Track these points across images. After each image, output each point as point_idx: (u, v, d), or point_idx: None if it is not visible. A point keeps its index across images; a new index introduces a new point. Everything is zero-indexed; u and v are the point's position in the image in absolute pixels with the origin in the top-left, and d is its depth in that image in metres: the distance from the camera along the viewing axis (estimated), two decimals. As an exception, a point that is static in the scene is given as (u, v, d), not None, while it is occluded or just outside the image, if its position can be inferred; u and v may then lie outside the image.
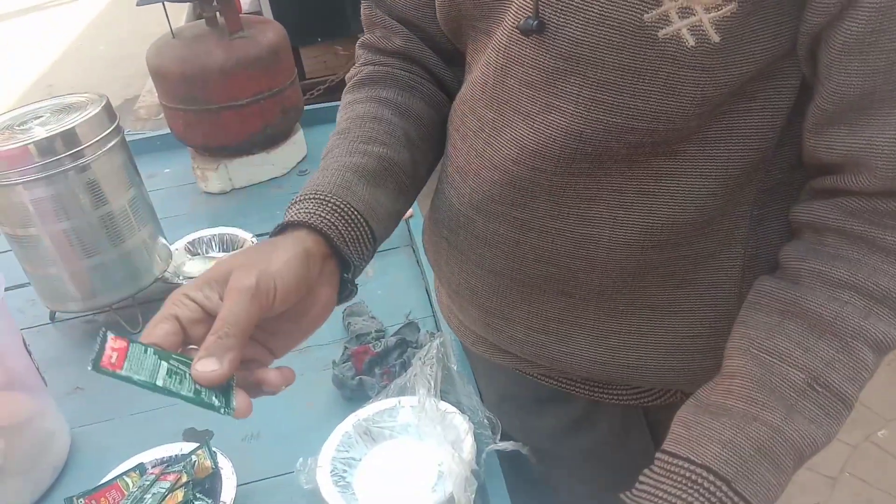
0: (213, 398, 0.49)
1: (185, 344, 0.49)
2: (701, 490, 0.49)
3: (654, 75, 0.49)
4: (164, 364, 0.48)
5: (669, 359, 0.63)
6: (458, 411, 0.77)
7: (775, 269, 0.56)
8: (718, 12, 0.45)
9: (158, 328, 0.48)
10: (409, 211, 1.18)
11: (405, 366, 0.88)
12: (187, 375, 0.48)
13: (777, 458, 0.50)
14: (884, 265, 0.50)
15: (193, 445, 0.81)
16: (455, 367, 0.81)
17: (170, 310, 0.49)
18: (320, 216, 0.55)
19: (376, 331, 0.97)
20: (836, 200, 0.52)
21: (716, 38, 0.46)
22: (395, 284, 1.08)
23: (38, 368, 0.87)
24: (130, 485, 0.77)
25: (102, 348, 0.47)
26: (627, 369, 0.64)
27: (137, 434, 0.87)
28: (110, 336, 0.48)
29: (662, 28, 0.46)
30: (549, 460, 0.73)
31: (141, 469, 0.79)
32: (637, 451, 0.54)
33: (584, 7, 0.48)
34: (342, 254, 0.55)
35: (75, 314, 1.08)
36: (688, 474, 0.50)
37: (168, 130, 1.40)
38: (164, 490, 0.75)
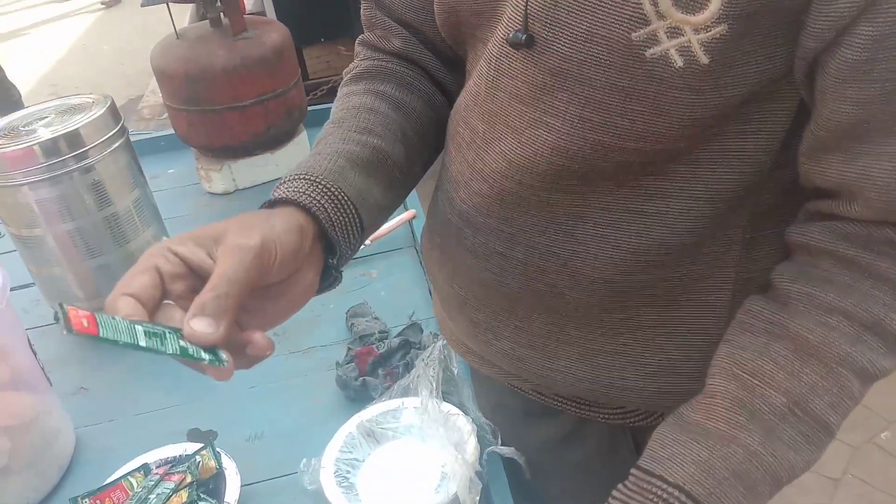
0: (202, 353, 0.45)
1: (161, 300, 0.46)
2: None
3: (642, 95, 0.48)
4: (139, 327, 0.44)
5: (656, 381, 0.62)
6: (461, 413, 0.77)
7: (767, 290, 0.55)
8: (707, 33, 0.44)
9: (136, 280, 0.44)
10: (412, 212, 1.19)
11: (408, 367, 0.89)
12: (167, 334, 0.45)
13: (752, 482, 0.49)
14: (875, 291, 0.49)
15: (197, 446, 0.81)
16: (456, 370, 0.81)
17: (149, 261, 0.45)
18: (311, 197, 0.53)
19: (380, 332, 0.97)
20: (830, 224, 0.51)
21: (704, 59, 0.45)
22: (399, 285, 1.09)
23: (42, 368, 0.88)
24: (135, 485, 0.78)
25: (67, 316, 0.42)
26: (613, 389, 0.64)
27: (141, 434, 0.88)
28: (68, 307, 0.43)
29: (650, 48, 0.46)
30: (541, 471, 0.73)
31: (145, 469, 0.80)
32: (625, 470, 0.54)
33: (572, 23, 0.47)
34: (329, 238, 0.53)
35: (80, 314, 1.08)
36: (659, 492, 0.49)
37: (172, 131, 1.40)
38: (168, 490, 0.75)
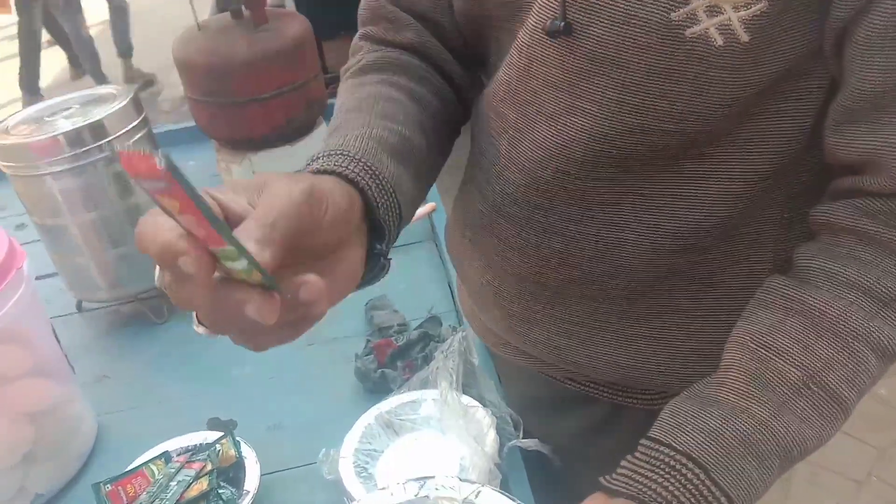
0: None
1: None
2: (678, 476, 0.48)
3: (682, 76, 0.48)
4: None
5: (695, 365, 0.62)
6: (480, 405, 0.77)
7: None
8: (748, 11, 0.44)
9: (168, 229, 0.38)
10: (432, 205, 1.18)
11: (427, 359, 0.89)
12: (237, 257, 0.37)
13: (762, 453, 0.49)
14: (895, 268, 0.49)
15: (218, 434, 0.82)
16: (476, 362, 0.81)
17: None
18: (355, 172, 0.48)
19: (399, 324, 0.97)
20: (853, 201, 0.51)
21: (745, 37, 0.45)
22: (418, 278, 1.09)
23: (66, 356, 0.89)
24: (156, 472, 0.78)
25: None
26: (652, 374, 0.63)
27: (162, 422, 0.89)
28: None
29: (690, 27, 0.45)
30: (573, 459, 0.73)
31: (166, 457, 0.80)
32: None
33: (610, 6, 0.47)
34: (376, 218, 0.49)
35: (101, 303, 1.09)
36: (667, 460, 0.49)
37: (193, 123, 1.41)
38: (189, 478, 0.76)
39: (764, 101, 0.50)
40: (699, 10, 0.45)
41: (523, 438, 0.73)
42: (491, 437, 0.73)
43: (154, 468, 0.79)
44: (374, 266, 0.50)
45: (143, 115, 1.00)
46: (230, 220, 0.40)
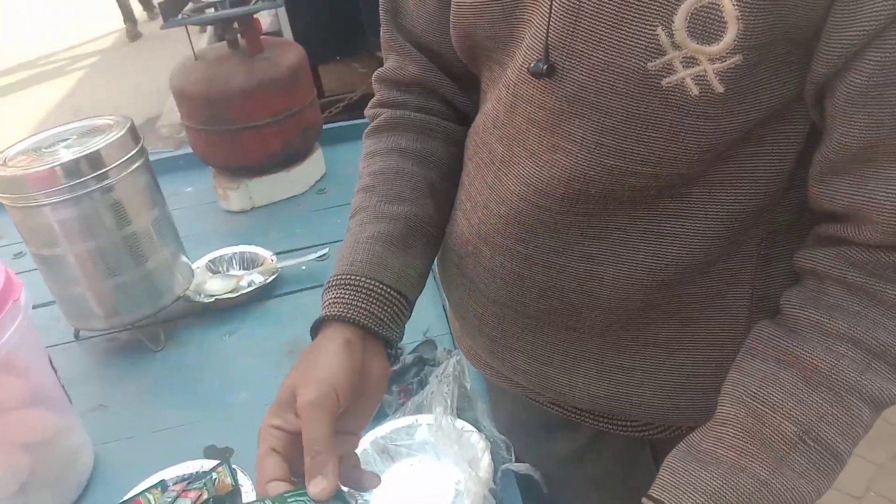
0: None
1: (290, 468, 0.55)
2: None
3: (658, 122, 0.49)
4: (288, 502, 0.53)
5: (674, 397, 0.62)
6: (475, 429, 0.77)
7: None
8: (723, 63, 0.45)
9: (267, 463, 0.54)
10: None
11: (423, 384, 0.89)
12: (307, 500, 0.53)
13: None
14: (884, 319, 0.49)
15: (214, 463, 0.82)
16: (469, 386, 0.82)
17: (266, 444, 0.55)
18: (356, 307, 0.59)
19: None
20: (839, 249, 0.51)
21: (720, 88, 0.46)
22: (413, 302, 1.09)
23: (63, 386, 0.89)
24: (153, 501, 0.78)
25: None
26: (631, 405, 0.64)
27: (159, 451, 0.89)
28: None
29: (666, 76, 0.46)
30: (559, 486, 0.73)
31: (163, 486, 0.80)
32: (644, 484, 0.54)
33: (590, 53, 0.48)
34: (383, 336, 0.60)
35: (99, 332, 1.10)
36: None
37: (190, 150, 1.42)
38: (185, 507, 0.76)
39: (742, 145, 0.51)
40: (675, 61, 0.46)
41: (515, 462, 0.73)
42: (486, 461, 0.73)
43: (151, 497, 0.79)
44: (391, 358, 0.62)
45: (140, 144, 1.01)
46: (296, 435, 0.55)
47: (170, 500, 0.77)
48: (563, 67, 0.50)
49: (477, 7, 0.56)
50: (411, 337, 0.99)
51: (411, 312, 0.63)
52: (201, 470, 0.82)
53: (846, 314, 0.50)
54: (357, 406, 0.58)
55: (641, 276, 0.57)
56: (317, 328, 0.60)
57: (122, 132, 0.99)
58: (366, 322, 0.58)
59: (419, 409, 0.83)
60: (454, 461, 0.74)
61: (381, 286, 0.60)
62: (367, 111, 0.73)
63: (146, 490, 0.80)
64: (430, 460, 0.78)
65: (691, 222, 0.55)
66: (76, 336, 1.11)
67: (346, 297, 0.59)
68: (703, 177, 0.53)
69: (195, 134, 1.34)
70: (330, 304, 0.60)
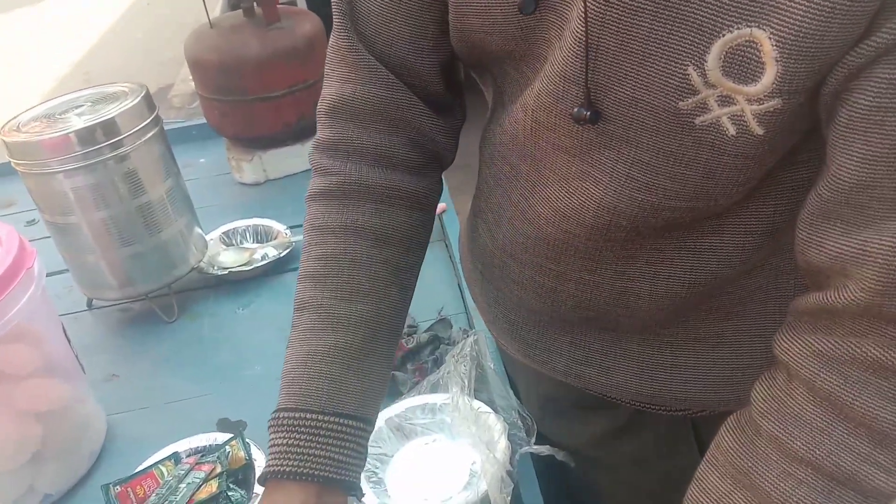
0: None
1: None
2: None
3: (692, 160, 0.46)
4: None
5: (719, 389, 0.61)
6: (491, 411, 0.76)
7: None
8: (761, 105, 0.41)
9: None
10: (443, 205, 1.17)
11: (438, 362, 0.88)
12: None
13: None
14: (851, 439, 0.45)
15: (227, 436, 0.81)
16: (490, 366, 0.81)
17: None
18: (312, 456, 0.54)
19: (408, 326, 0.96)
20: (814, 339, 0.47)
21: (759, 130, 0.43)
22: (428, 279, 1.07)
23: (76, 356, 0.88)
24: (165, 473, 0.78)
25: None
26: (674, 400, 0.63)
27: (172, 422, 0.88)
28: None
29: (700, 115, 0.44)
30: (591, 465, 0.72)
31: (175, 458, 0.80)
32: (684, 463, 0.52)
33: (614, 88, 0.45)
34: (342, 481, 0.55)
35: (112, 302, 1.09)
36: None
37: (204, 120, 1.40)
38: (198, 480, 0.76)
39: (780, 162, 0.48)
40: (710, 99, 0.43)
41: (536, 444, 0.72)
42: (503, 443, 0.72)
43: (163, 469, 0.79)
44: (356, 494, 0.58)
45: (155, 113, 1.00)
46: None
47: (183, 472, 0.77)
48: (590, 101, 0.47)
49: (490, 20, 0.50)
50: (426, 315, 0.98)
51: (370, 435, 0.58)
52: (214, 443, 0.81)
53: (808, 431, 0.46)
54: None
55: (679, 289, 0.55)
56: (265, 479, 0.55)
57: (137, 100, 0.97)
58: (324, 473, 0.54)
59: (434, 389, 0.82)
60: (470, 442, 0.73)
61: (340, 422, 0.55)
62: (312, 156, 0.60)
63: (159, 462, 0.79)
64: (445, 440, 0.78)
65: (729, 236, 0.53)
66: (89, 305, 1.10)
67: (301, 443, 0.54)
68: (738, 201, 0.50)
69: (209, 104, 1.32)
70: (280, 454, 0.54)
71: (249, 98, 1.27)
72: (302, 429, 0.54)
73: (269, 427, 0.56)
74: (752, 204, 0.51)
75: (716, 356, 0.60)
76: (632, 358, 0.62)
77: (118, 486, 0.77)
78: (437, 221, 1.17)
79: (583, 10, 0.43)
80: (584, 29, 0.44)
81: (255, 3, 1.29)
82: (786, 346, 0.48)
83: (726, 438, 0.51)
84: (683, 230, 0.53)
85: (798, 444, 0.46)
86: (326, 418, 0.54)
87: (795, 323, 0.49)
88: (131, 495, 0.76)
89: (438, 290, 1.05)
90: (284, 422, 0.55)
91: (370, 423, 0.58)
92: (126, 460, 0.83)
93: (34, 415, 0.81)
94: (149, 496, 0.76)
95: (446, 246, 1.14)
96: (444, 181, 1.25)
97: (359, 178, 0.58)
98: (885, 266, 0.41)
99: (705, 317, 0.58)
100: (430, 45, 0.56)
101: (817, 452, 0.45)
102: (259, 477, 0.56)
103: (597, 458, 0.72)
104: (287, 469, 0.53)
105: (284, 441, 0.54)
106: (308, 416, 0.54)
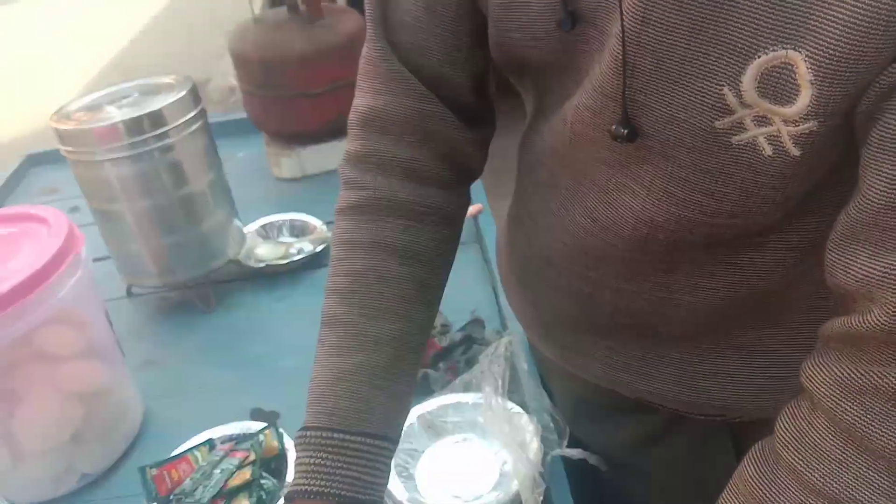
0: None
1: None
2: None
3: (729, 178, 0.46)
4: None
5: (758, 397, 0.61)
6: (524, 412, 0.77)
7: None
8: (797, 127, 0.41)
9: None
10: (479, 206, 1.18)
11: (470, 362, 0.88)
12: None
13: None
14: (870, 473, 0.44)
15: (260, 425, 0.83)
16: (524, 367, 0.81)
17: None
18: (336, 476, 0.53)
19: (441, 325, 0.97)
20: (839, 368, 0.46)
21: (796, 152, 0.42)
22: (462, 280, 1.07)
23: (117, 341, 0.90)
24: (200, 459, 0.79)
25: None
26: (713, 408, 0.62)
27: (206, 410, 0.90)
28: None
29: (737, 134, 0.43)
30: (624, 470, 0.72)
31: (210, 444, 0.81)
32: (719, 469, 0.52)
33: (651, 105, 0.45)
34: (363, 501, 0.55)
35: (151, 289, 1.11)
36: None
37: (244, 115, 1.43)
38: (232, 466, 0.77)
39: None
40: (746, 119, 0.43)
41: (568, 447, 0.72)
42: (535, 445, 0.72)
43: (198, 455, 0.80)
44: None
45: (200, 106, 1.02)
46: None
47: (217, 458, 0.79)
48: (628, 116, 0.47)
49: (531, 35, 0.51)
50: (459, 315, 0.98)
51: (393, 453, 0.58)
52: (248, 431, 0.83)
53: (827, 463, 0.45)
54: None
55: (718, 301, 0.55)
56: (292, 498, 0.55)
57: (184, 93, 0.99)
58: (351, 493, 0.53)
59: (467, 388, 0.82)
60: (502, 442, 0.73)
61: (366, 442, 0.54)
62: (342, 168, 0.61)
63: (194, 448, 0.81)
64: (477, 439, 0.78)
65: (771, 253, 0.52)
66: (128, 292, 1.13)
67: (328, 462, 0.54)
68: (778, 219, 0.50)
69: (250, 98, 1.34)
70: (307, 473, 0.54)
71: (291, 94, 1.29)
72: (329, 448, 0.54)
73: (295, 444, 0.57)
74: (795, 221, 0.51)
75: (755, 364, 0.59)
76: (670, 364, 0.61)
77: (154, 469, 0.78)
78: (472, 222, 1.18)
79: (620, 29, 0.44)
80: (621, 48, 0.44)
81: (299, 1, 1.31)
82: (811, 373, 0.48)
83: (748, 467, 0.50)
84: (723, 246, 0.52)
85: (816, 476, 0.45)
86: (354, 438, 0.54)
87: (823, 350, 0.48)
88: (167, 478, 0.78)
89: (472, 290, 1.05)
90: (311, 440, 0.55)
91: (395, 442, 0.58)
92: (161, 444, 0.84)
93: (76, 395, 0.83)
94: (183, 480, 0.77)
95: (481, 248, 1.14)
96: (481, 183, 1.26)
97: (388, 194, 0.58)
98: None
99: (745, 325, 0.58)
100: (463, 57, 0.56)
101: (835, 486, 0.44)
102: (286, 495, 0.56)
103: (630, 463, 0.71)
104: (314, 489, 0.53)
105: (311, 460, 0.54)
106: (335, 435, 0.54)
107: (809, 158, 0.43)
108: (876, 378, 0.43)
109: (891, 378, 0.43)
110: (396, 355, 0.57)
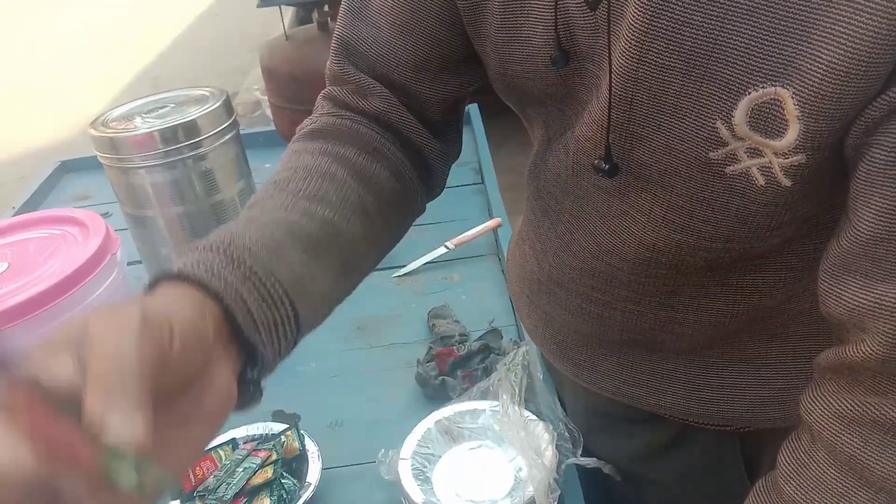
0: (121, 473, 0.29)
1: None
2: None
3: (724, 206, 0.48)
4: None
5: (766, 408, 0.62)
6: (539, 420, 0.78)
7: None
8: (787, 160, 0.43)
9: None
10: (498, 220, 1.20)
11: (487, 371, 0.90)
12: None
13: None
14: None
15: (282, 426, 0.85)
16: (539, 376, 0.83)
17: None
18: (224, 280, 0.39)
19: (460, 334, 0.99)
20: (836, 399, 0.47)
21: (787, 182, 0.44)
22: (480, 291, 1.11)
23: (146, 340, 0.93)
24: (223, 457, 0.82)
25: None
26: (722, 419, 0.64)
27: (229, 411, 0.92)
28: None
29: (730, 165, 0.45)
30: (638, 480, 0.73)
31: (234, 444, 0.84)
32: (730, 479, 0.54)
33: (648, 136, 0.47)
34: (248, 338, 0.40)
35: (179, 293, 1.14)
36: None
37: (272, 128, 1.47)
38: (255, 465, 0.79)
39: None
40: (739, 151, 0.44)
41: (582, 456, 0.74)
42: (550, 452, 0.74)
43: (222, 453, 0.82)
44: (245, 393, 0.41)
45: (233, 118, 1.06)
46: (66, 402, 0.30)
47: (240, 457, 0.81)
48: (623, 148, 0.49)
49: (532, 68, 0.52)
50: (476, 325, 1.01)
51: (294, 343, 0.44)
52: (270, 432, 0.85)
53: (828, 496, 0.46)
54: (178, 425, 0.35)
55: (722, 318, 0.57)
56: (154, 284, 0.40)
57: (218, 104, 1.03)
58: (227, 300, 0.39)
59: (484, 395, 0.84)
60: (518, 448, 0.75)
61: (269, 277, 0.41)
62: (301, 124, 0.58)
63: (217, 446, 0.83)
64: (493, 445, 0.80)
65: (771, 273, 0.54)
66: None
67: (215, 263, 0.40)
68: (777, 244, 0.52)
69: (280, 112, 1.38)
70: (190, 264, 0.40)
71: (318, 108, 1.32)
72: (218, 252, 0.41)
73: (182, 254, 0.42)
74: (793, 245, 0.52)
75: (762, 376, 0.61)
76: (679, 378, 0.63)
77: (179, 466, 0.81)
78: (491, 235, 1.21)
79: (611, 68, 0.45)
80: (608, 94, 0.46)
81: (328, 18, 1.35)
82: (809, 406, 0.48)
83: (753, 502, 0.51)
84: (724, 269, 0.54)
85: None
86: (255, 264, 0.41)
87: (819, 381, 0.49)
88: (191, 475, 0.80)
89: (490, 301, 1.08)
90: (199, 245, 0.43)
91: (301, 315, 0.43)
92: (186, 443, 0.87)
93: (106, 392, 0.86)
94: (207, 478, 0.80)
95: (499, 260, 1.17)
96: (500, 199, 1.28)
97: (349, 125, 0.56)
98: None
99: (750, 339, 0.60)
100: (432, 77, 0.57)
101: None
102: (150, 281, 0.40)
103: (643, 473, 0.73)
104: (189, 273, 0.39)
105: (195, 257, 0.41)
106: (231, 249, 0.41)
107: (801, 188, 0.44)
108: (873, 409, 0.44)
109: (887, 409, 0.44)
110: (325, 236, 0.47)
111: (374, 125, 0.57)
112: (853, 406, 0.45)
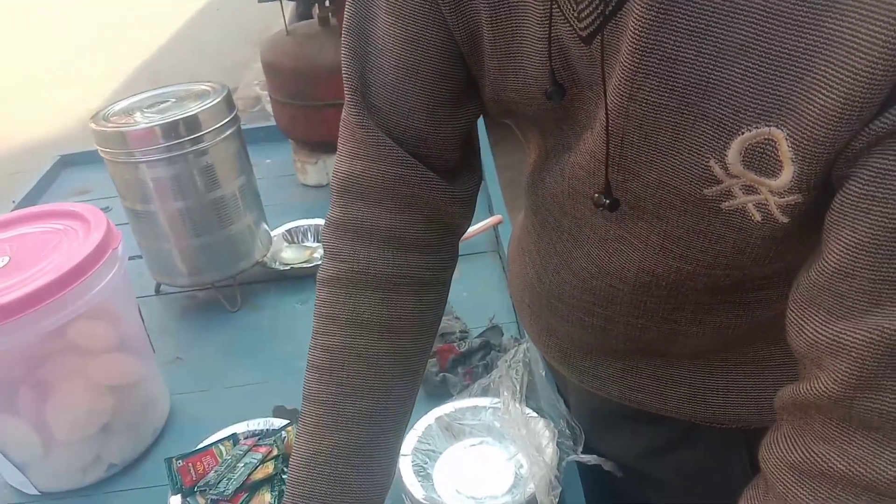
0: None
1: None
2: None
3: (722, 238, 0.47)
4: None
5: (771, 410, 0.62)
6: (540, 417, 0.78)
7: None
8: (782, 199, 0.42)
9: None
10: (498, 217, 1.20)
11: (488, 368, 0.90)
12: None
13: None
14: None
15: (283, 421, 0.85)
16: (542, 373, 0.83)
17: None
18: None
19: (460, 331, 0.99)
20: (786, 453, 0.46)
21: (784, 219, 0.43)
22: (481, 288, 1.11)
23: (148, 336, 0.93)
24: (224, 452, 0.82)
25: None
26: (727, 420, 0.64)
27: (230, 406, 0.93)
28: None
29: (726, 201, 0.45)
30: (640, 478, 0.73)
31: (234, 439, 0.84)
32: (734, 477, 0.54)
33: (643, 171, 0.47)
34: None
35: (180, 289, 1.14)
36: None
37: (272, 123, 1.46)
38: (255, 461, 0.79)
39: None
40: (734, 188, 0.44)
41: (584, 453, 0.74)
42: (551, 449, 0.74)
43: (222, 448, 0.82)
44: None
45: (234, 113, 1.05)
46: None
47: (241, 452, 0.81)
48: (617, 180, 0.49)
49: (528, 96, 0.52)
50: (477, 322, 1.01)
51: None
52: (271, 427, 0.85)
53: None
54: None
55: (725, 329, 0.58)
56: None
57: (219, 99, 1.03)
58: None
59: (484, 392, 0.84)
60: (518, 445, 0.75)
61: None
62: (324, 235, 0.61)
63: (219, 441, 0.83)
64: (494, 442, 0.80)
65: (774, 290, 0.54)
66: (157, 290, 1.16)
67: None
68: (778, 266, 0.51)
69: (280, 107, 1.38)
70: None
71: (320, 104, 1.32)
72: None
73: None
74: (795, 267, 0.51)
75: (766, 378, 0.61)
76: (683, 382, 0.64)
77: (180, 461, 0.81)
78: (492, 232, 1.21)
79: (606, 105, 0.45)
80: (605, 132, 0.46)
81: (329, 14, 1.35)
82: (765, 455, 0.48)
83: None
84: (726, 290, 0.54)
85: None
86: None
87: (777, 425, 0.49)
88: (191, 470, 0.80)
89: (490, 298, 1.08)
90: None
91: None
92: (186, 438, 0.87)
93: (107, 388, 0.86)
94: (207, 473, 0.80)
95: (500, 257, 1.17)
96: (502, 195, 1.28)
97: (366, 265, 0.58)
98: (858, 360, 0.41)
99: (753, 343, 0.60)
100: (446, 114, 0.56)
101: None
102: None
103: (646, 471, 0.72)
104: None
105: None
106: None
107: (798, 222, 0.44)
108: (820, 461, 0.44)
109: (835, 461, 0.43)
110: (374, 432, 0.58)
111: (390, 219, 0.58)
112: (803, 458, 0.45)
